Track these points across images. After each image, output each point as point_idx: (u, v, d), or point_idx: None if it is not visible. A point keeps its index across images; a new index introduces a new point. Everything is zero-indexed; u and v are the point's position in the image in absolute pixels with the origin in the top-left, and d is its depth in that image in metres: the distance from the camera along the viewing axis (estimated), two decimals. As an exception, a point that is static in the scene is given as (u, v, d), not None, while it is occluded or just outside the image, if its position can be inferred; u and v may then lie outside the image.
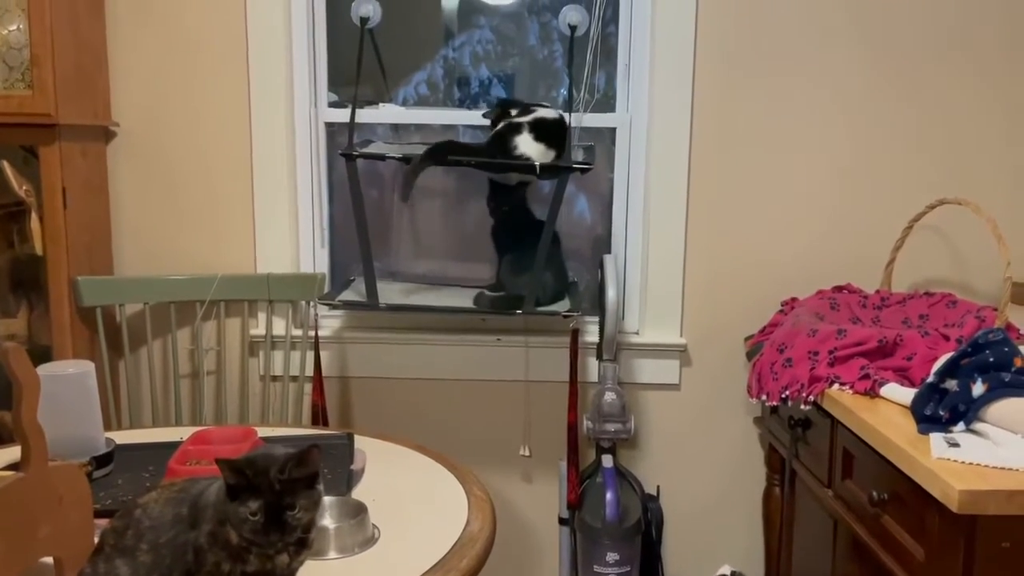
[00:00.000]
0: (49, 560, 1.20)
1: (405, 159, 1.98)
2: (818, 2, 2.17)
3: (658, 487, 2.25)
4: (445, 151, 1.98)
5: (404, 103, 2.36)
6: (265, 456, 0.96)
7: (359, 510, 1.41)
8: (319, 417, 2.14)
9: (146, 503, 1.06)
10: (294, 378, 2.25)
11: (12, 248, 2.20)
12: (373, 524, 1.42)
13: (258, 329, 2.29)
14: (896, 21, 2.17)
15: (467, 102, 2.37)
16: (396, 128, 2.34)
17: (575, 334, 2.07)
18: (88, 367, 1.63)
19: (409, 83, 2.37)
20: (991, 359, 1.42)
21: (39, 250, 2.06)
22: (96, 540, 1.12)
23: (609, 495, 2.02)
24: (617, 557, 2.02)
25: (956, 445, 1.35)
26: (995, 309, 1.84)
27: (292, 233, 2.29)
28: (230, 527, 0.96)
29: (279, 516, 0.93)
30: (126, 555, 1.02)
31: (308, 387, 2.24)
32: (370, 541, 1.39)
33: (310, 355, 2.22)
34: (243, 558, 0.97)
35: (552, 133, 2.01)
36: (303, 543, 1.00)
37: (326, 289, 2.26)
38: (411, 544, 1.38)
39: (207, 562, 0.97)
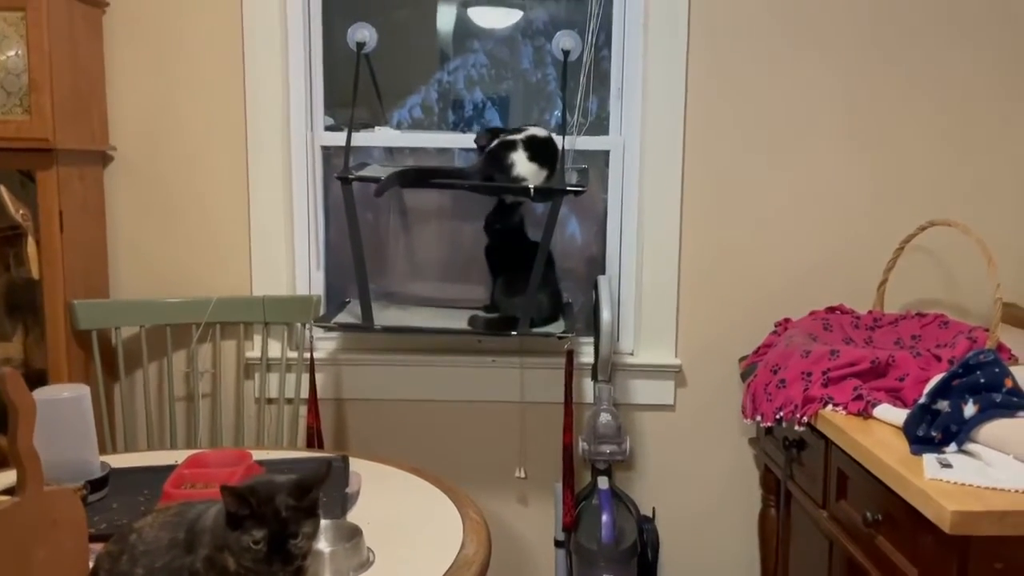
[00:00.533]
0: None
1: (401, 184, 2.00)
2: (807, 31, 2.20)
3: (654, 509, 2.25)
4: (415, 175, 2.01)
5: (398, 126, 2.38)
6: (268, 484, 0.97)
7: (354, 533, 1.41)
8: (314, 439, 2.14)
9: (141, 528, 1.06)
10: (289, 400, 2.26)
11: (8, 272, 2.20)
12: (368, 548, 1.42)
13: (254, 351, 2.30)
14: (883, 50, 2.20)
15: (461, 125, 2.40)
16: (391, 151, 2.36)
17: (570, 355, 2.08)
18: (83, 391, 1.63)
19: (403, 106, 2.39)
20: (982, 380, 1.43)
21: (36, 274, 2.07)
22: (91, 565, 1.13)
23: (605, 517, 2.02)
24: (613, 579, 2.02)
25: (948, 466, 1.35)
26: (986, 329, 1.85)
27: (288, 255, 2.30)
28: (228, 554, 0.96)
29: (282, 545, 0.94)
30: (121, 580, 1.03)
31: (303, 409, 2.24)
32: (365, 565, 1.39)
33: (305, 377, 2.23)
34: None
35: (544, 152, 2.03)
36: (300, 570, 1.00)
37: (322, 311, 2.27)
38: (406, 568, 1.38)
39: None
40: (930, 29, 2.19)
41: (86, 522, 1.28)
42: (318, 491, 0.98)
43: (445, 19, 2.39)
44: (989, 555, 1.25)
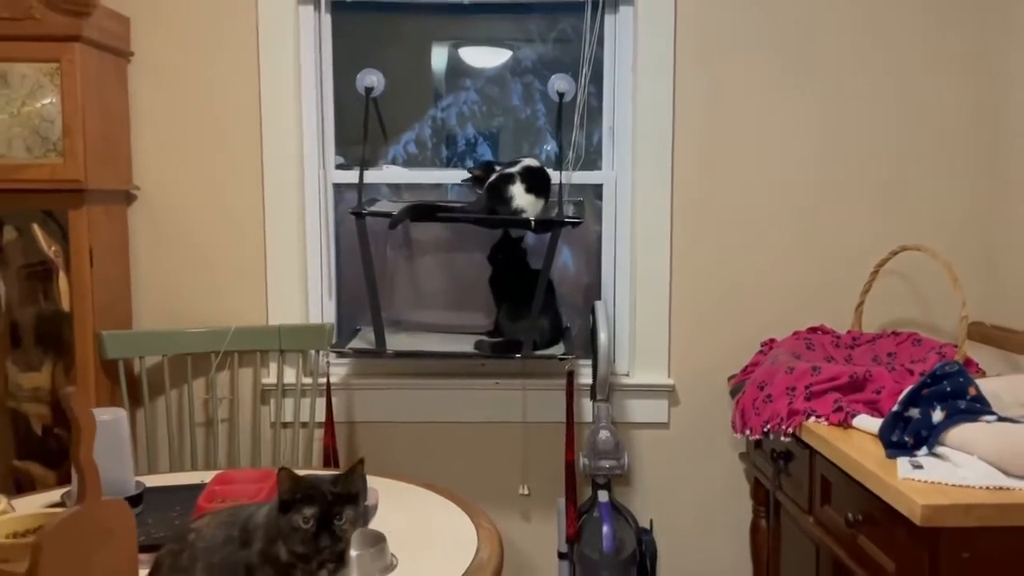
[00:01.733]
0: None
1: (412, 218, 2.15)
2: (785, 75, 2.37)
3: (651, 521, 2.37)
4: (424, 210, 2.17)
5: (393, 161, 2.52)
6: (314, 477, 1.10)
7: (378, 539, 1.53)
8: (330, 459, 2.26)
9: (199, 528, 1.19)
10: (304, 424, 2.38)
11: (37, 305, 2.32)
12: (391, 553, 1.54)
13: (269, 378, 2.42)
14: (857, 91, 2.37)
15: (454, 160, 2.54)
16: (397, 187, 2.50)
17: (570, 375, 2.21)
18: (120, 414, 1.76)
19: (399, 142, 2.54)
20: (948, 389, 1.58)
21: (66, 306, 2.19)
22: (152, 565, 1.24)
23: (606, 528, 2.15)
24: (614, 587, 2.14)
25: (920, 467, 1.49)
26: (955, 346, 2.01)
27: (302, 286, 2.43)
28: (280, 544, 1.08)
29: (329, 524, 1.07)
30: (182, 574, 1.14)
31: (317, 433, 2.37)
32: (389, 568, 1.51)
33: (319, 402, 2.35)
34: (290, 574, 1.09)
35: (540, 182, 2.19)
36: (341, 559, 1.13)
37: (334, 338, 2.40)
38: (426, 571, 1.50)
39: None
40: (899, 71, 2.37)
41: (135, 532, 1.40)
42: (357, 483, 1.11)
43: (438, 59, 2.55)
44: (957, 546, 1.38)
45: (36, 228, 2.17)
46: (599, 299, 2.44)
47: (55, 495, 1.82)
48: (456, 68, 2.54)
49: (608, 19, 2.42)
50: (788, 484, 2.02)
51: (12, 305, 2.28)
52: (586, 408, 2.38)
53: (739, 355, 2.35)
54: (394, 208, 2.19)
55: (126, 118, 2.36)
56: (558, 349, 2.22)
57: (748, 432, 2.01)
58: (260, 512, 1.15)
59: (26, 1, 2.04)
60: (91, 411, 1.32)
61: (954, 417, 1.54)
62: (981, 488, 1.41)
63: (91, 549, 1.30)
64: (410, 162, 2.53)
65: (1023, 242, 2.23)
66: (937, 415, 1.56)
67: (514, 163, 2.24)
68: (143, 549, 1.39)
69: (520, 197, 2.16)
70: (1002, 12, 2.32)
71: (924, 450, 1.56)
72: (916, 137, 2.39)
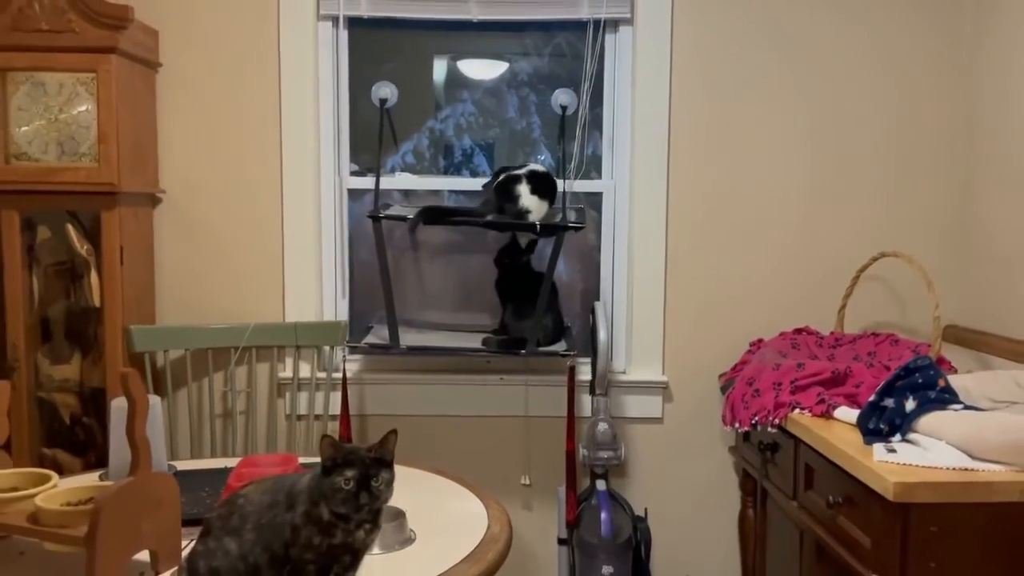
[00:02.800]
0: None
1: (425, 222, 2.30)
2: (775, 91, 2.53)
3: (646, 509, 2.51)
4: (437, 213, 2.33)
5: (392, 170, 2.65)
6: (352, 445, 1.24)
7: (398, 515, 1.67)
8: (344, 449, 2.39)
9: (246, 494, 1.32)
10: (318, 416, 2.51)
11: (66, 300, 2.45)
12: (410, 528, 1.68)
13: (285, 372, 2.55)
14: (840, 110, 2.54)
15: (451, 169, 2.68)
16: (406, 192, 2.64)
17: (571, 371, 2.36)
18: (155, 400, 1.89)
19: (397, 152, 2.67)
20: (920, 380, 1.73)
21: (96, 302, 2.32)
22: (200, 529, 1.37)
23: (604, 514, 2.29)
24: (612, 570, 2.27)
25: (894, 451, 1.64)
26: (930, 345, 2.16)
27: (317, 286, 2.57)
28: (323, 505, 1.22)
29: (367, 484, 1.21)
30: (232, 534, 1.27)
31: (331, 425, 2.50)
32: (408, 541, 1.65)
33: (332, 395, 2.48)
34: (332, 532, 1.23)
35: (544, 185, 2.34)
36: (376, 520, 1.27)
37: (347, 335, 2.53)
38: (443, 543, 1.64)
39: (301, 536, 1.23)
40: (880, 91, 2.54)
41: (179, 504, 1.53)
42: (390, 450, 1.25)
43: (438, 71, 2.69)
44: (926, 520, 1.53)
45: (70, 228, 2.30)
46: (598, 300, 2.58)
47: (91, 477, 1.94)
48: (455, 80, 2.67)
49: (608, 37, 2.57)
50: (774, 472, 2.17)
51: (43, 301, 2.40)
52: (585, 403, 2.52)
53: (729, 354, 2.51)
54: (408, 212, 2.33)
55: (154, 125, 2.50)
56: (560, 346, 2.37)
57: (737, 425, 2.16)
58: (302, 480, 1.28)
59: (66, 15, 2.18)
60: (144, 391, 1.46)
61: (925, 406, 1.69)
62: (948, 468, 1.56)
63: (142, 516, 1.43)
64: (407, 171, 2.66)
65: (995, 250, 2.39)
66: (910, 404, 1.71)
67: (522, 166, 2.38)
68: (185, 524, 1.53)
69: (526, 197, 2.30)
70: (975, 30, 2.49)
71: (898, 436, 1.70)
72: (895, 151, 2.55)
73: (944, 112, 2.54)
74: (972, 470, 1.56)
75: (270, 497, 1.29)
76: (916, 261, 2.17)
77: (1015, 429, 1.57)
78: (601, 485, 2.36)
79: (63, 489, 1.51)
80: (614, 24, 2.57)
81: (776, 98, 2.54)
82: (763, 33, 2.52)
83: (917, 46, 2.52)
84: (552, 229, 2.30)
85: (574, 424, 2.38)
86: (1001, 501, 1.52)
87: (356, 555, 1.26)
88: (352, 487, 1.21)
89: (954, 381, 1.83)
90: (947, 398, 1.71)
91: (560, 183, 2.46)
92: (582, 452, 2.39)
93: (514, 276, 2.47)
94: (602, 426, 2.36)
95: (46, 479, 1.55)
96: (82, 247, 2.31)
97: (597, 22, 2.52)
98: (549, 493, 2.61)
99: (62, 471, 2.39)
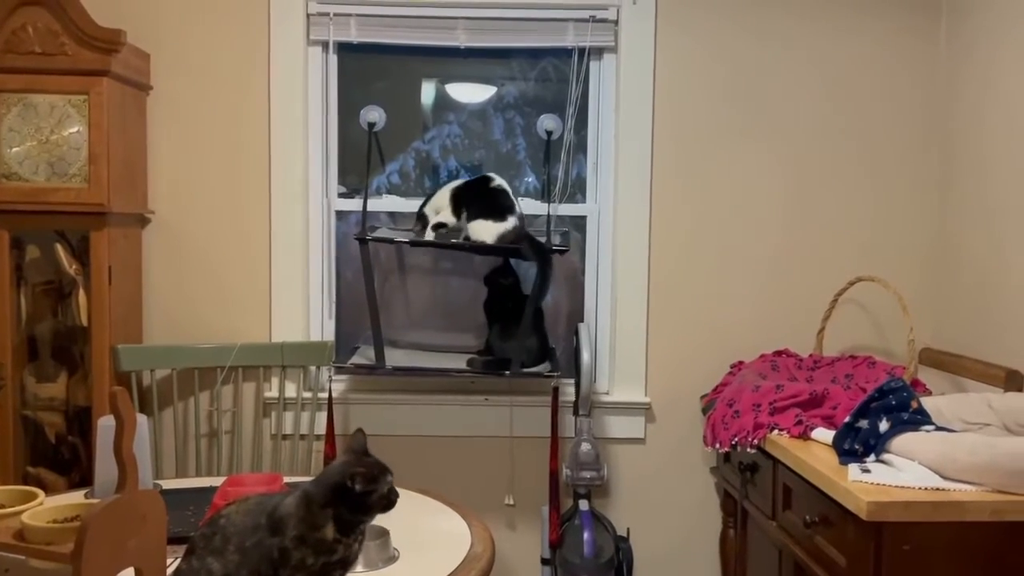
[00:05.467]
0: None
1: (410, 243, 2.33)
2: (754, 121, 2.59)
3: (628, 529, 2.53)
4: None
5: (378, 190, 2.69)
6: (357, 460, 1.30)
7: (382, 533, 1.69)
8: (329, 469, 2.40)
9: (228, 514, 1.34)
10: (303, 436, 2.52)
11: (52, 320, 2.46)
12: (393, 546, 1.70)
13: (271, 392, 2.57)
14: (815, 139, 2.60)
15: (436, 190, 2.69)
16: (392, 214, 2.68)
17: (555, 391, 2.39)
18: (142, 419, 1.90)
19: (383, 172, 2.71)
20: (893, 402, 1.77)
21: (84, 321, 2.34)
22: (185, 548, 1.39)
23: (587, 535, 2.31)
24: (594, 590, 2.29)
25: (868, 471, 1.68)
26: (905, 368, 2.21)
27: (303, 306, 2.59)
28: (329, 527, 1.24)
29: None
30: (215, 554, 1.29)
31: (316, 445, 2.51)
32: (392, 559, 1.67)
33: (318, 415, 2.50)
34: (333, 550, 1.25)
35: (489, 204, 2.36)
36: (363, 535, 1.29)
37: (334, 355, 2.56)
38: (426, 561, 1.66)
39: (293, 559, 1.24)
40: (856, 127, 2.60)
41: (166, 521, 1.54)
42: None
43: (426, 94, 2.73)
44: (899, 538, 1.57)
45: (59, 248, 2.32)
46: (582, 322, 2.62)
47: (76, 495, 1.95)
48: (442, 102, 2.72)
49: (593, 64, 2.63)
50: (754, 493, 2.20)
51: (31, 320, 2.41)
52: (569, 423, 2.55)
53: (710, 376, 2.54)
54: (395, 235, 2.37)
55: (144, 147, 2.53)
56: (544, 368, 2.40)
57: (718, 445, 2.19)
58: (285, 503, 1.30)
59: (59, 38, 2.21)
60: (133, 409, 1.48)
61: (898, 427, 1.74)
62: (920, 488, 1.60)
63: (128, 533, 1.44)
64: (393, 192, 2.70)
65: (969, 275, 2.45)
66: (883, 425, 1.75)
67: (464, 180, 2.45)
68: (171, 541, 1.54)
69: (446, 215, 2.37)
70: (950, 58, 2.56)
71: (872, 457, 1.74)
72: (871, 179, 2.61)
73: (919, 139, 2.61)
74: (944, 490, 1.59)
75: (252, 520, 1.30)
76: (892, 285, 2.23)
77: (985, 450, 1.61)
78: (584, 505, 2.38)
79: (49, 506, 1.52)
80: (598, 52, 2.63)
81: (757, 126, 2.60)
82: (742, 63, 2.58)
83: (891, 76, 2.59)
84: (540, 251, 2.34)
85: (557, 444, 2.41)
86: (972, 521, 1.56)
87: (347, 567, 1.29)
88: (387, 490, 1.28)
89: (927, 403, 1.88)
90: (920, 419, 1.75)
91: (545, 207, 2.50)
92: (565, 472, 2.41)
93: (503, 297, 2.50)
94: (585, 446, 2.39)
95: (32, 496, 1.56)
96: (71, 267, 2.33)
97: (582, 50, 2.57)
98: (532, 513, 2.64)
99: (46, 490, 2.39)
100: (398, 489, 1.33)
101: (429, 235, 2.37)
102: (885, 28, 2.58)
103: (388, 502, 1.29)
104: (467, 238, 2.35)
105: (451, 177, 2.69)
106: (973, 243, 2.43)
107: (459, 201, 2.38)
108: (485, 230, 2.32)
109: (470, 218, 2.35)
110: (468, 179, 2.48)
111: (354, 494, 1.25)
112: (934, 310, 2.59)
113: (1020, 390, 2.13)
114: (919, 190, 2.62)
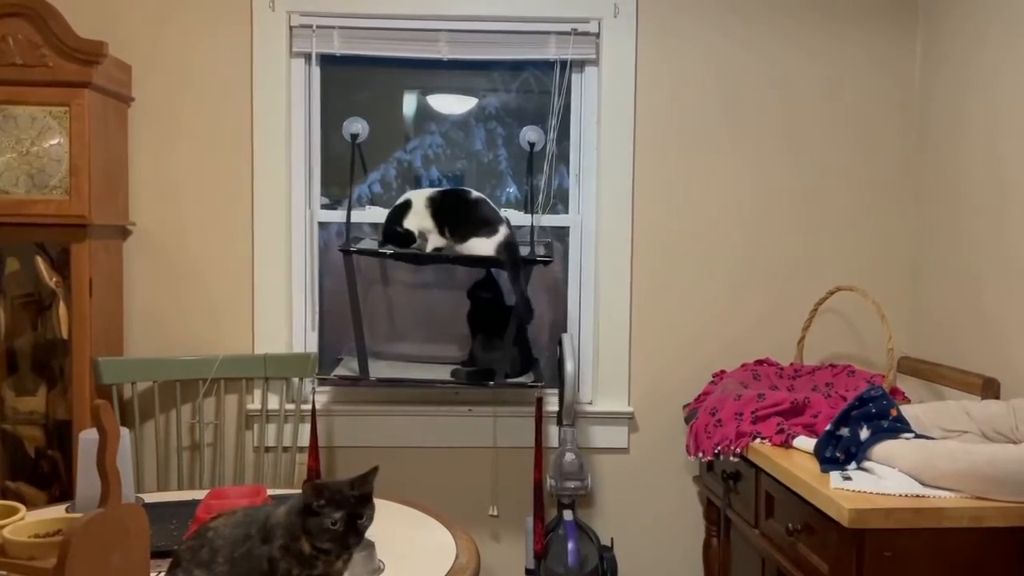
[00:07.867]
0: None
1: (393, 255, 2.33)
2: (732, 132, 2.62)
3: (612, 539, 2.54)
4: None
5: (359, 199, 2.69)
6: (334, 482, 1.25)
7: (367, 545, 1.68)
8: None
9: (216, 527, 1.33)
10: (286, 448, 2.51)
11: (32, 332, 2.44)
12: (379, 558, 1.69)
13: (254, 404, 2.56)
14: (793, 152, 2.63)
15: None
16: (375, 225, 2.68)
17: (539, 401, 2.40)
18: (124, 432, 1.89)
19: (365, 181, 2.72)
20: (873, 410, 1.79)
21: (64, 334, 2.32)
22: (171, 560, 1.38)
23: (571, 545, 2.32)
24: (578, 600, 2.29)
25: (849, 479, 1.70)
26: (884, 376, 2.23)
27: (287, 317, 2.59)
28: (304, 540, 1.22)
29: (354, 524, 1.22)
30: (202, 567, 1.29)
31: (300, 456, 2.50)
32: (378, 571, 1.66)
33: (301, 427, 2.49)
34: (312, 564, 1.24)
35: (471, 219, 2.37)
36: (352, 549, 1.29)
37: (317, 367, 2.55)
38: (411, 573, 1.66)
39: (280, 569, 1.24)
40: (828, 137, 2.64)
41: (149, 535, 1.53)
42: (371, 485, 1.27)
43: (408, 105, 2.74)
44: (880, 546, 1.59)
45: (39, 260, 2.30)
46: (566, 332, 2.63)
47: (57, 509, 1.93)
48: (424, 113, 2.73)
49: (575, 76, 2.65)
50: (737, 501, 2.22)
51: (10, 333, 2.39)
52: (553, 434, 2.56)
53: (693, 385, 2.56)
54: (378, 246, 2.37)
55: (125, 158, 2.52)
56: (528, 378, 2.41)
57: (701, 454, 2.20)
58: (277, 512, 1.29)
59: (40, 50, 2.20)
60: (116, 422, 1.47)
61: (878, 435, 1.76)
62: (900, 495, 1.62)
63: (111, 548, 1.43)
64: (375, 202, 2.70)
65: (947, 284, 2.49)
66: (864, 433, 1.77)
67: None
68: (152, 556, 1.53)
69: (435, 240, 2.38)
70: (924, 64, 2.61)
71: (853, 464, 1.76)
72: (849, 190, 2.65)
73: (896, 149, 2.65)
74: (923, 496, 1.62)
75: (243, 530, 1.30)
76: (870, 295, 2.26)
77: (964, 457, 1.64)
78: (568, 515, 2.39)
79: (31, 521, 1.51)
80: (580, 64, 2.65)
81: (737, 138, 2.63)
82: (723, 76, 2.61)
83: (868, 87, 2.63)
84: (515, 261, 2.35)
85: (541, 455, 2.41)
86: (951, 527, 1.58)
87: None
88: (340, 527, 1.22)
89: (906, 411, 1.90)
90: (899, 427, 1.78)
91: (528, 218, 2.51)
92: (549, 482, 2.42)
93: (486, 309, 2.51)
94: (569, 456, 2.40)
95: (13, 511, 1.55)
96: (51, 279, 2.31)
97: (564, 62, 2.59)
98: (517, 523, 2.64)
99: (26, 504, 2.37)
100: (384, 500, 1.30)
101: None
102: (861, 41, 2.62)
103: (335, 535, 1.21)
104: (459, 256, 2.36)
105: (433, 187, 2.69)
106: (949, 253, 2.47)
107: (441, 219, 2.38)
108: (483, 246, 2.34)
109: (458, 237, 2.36)
110: (443, 189, 2.48)
111: (311, 510, 1.23)
112: (912, 319, 2.63)
113: (997, 397, 2.16)
114: (897, 200, 2.66)
